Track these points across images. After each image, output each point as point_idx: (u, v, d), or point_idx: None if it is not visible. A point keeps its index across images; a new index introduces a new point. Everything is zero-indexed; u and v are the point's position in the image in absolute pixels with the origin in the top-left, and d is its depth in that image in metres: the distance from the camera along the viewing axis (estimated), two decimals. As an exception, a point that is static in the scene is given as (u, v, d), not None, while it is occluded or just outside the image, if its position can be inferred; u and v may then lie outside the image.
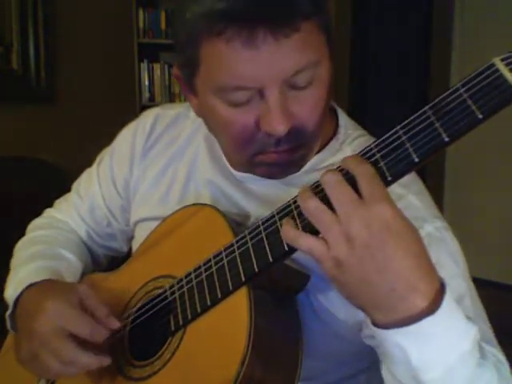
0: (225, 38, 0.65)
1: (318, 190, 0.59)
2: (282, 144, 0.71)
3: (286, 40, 0.65)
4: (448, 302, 0.56)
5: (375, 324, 0.58)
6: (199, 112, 0.79)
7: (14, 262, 0.95)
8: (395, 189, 0.71)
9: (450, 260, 0.72)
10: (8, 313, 0.85)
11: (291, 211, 0.63)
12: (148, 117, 0.96)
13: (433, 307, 0.55)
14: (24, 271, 0.89)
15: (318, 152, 0.81)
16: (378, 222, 0.54)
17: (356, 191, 0.56)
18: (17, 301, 0.84)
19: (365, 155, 0.59)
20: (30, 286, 0.84)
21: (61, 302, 0.76)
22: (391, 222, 0.54)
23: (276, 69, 0.66)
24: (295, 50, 0.66)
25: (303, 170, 0.79)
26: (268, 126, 0.69)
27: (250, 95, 0.68)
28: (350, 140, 0.83)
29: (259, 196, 0.82)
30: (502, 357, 0.67)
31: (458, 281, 0.71)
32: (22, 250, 0.97)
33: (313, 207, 0.57)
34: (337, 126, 0.84)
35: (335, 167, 0.60)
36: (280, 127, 0.68)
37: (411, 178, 0.77)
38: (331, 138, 0.83)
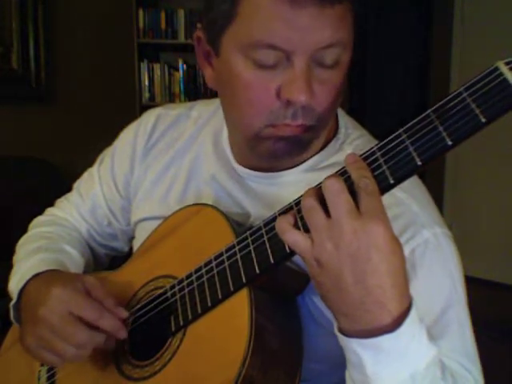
0: None
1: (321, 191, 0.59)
2: (297, 118, 0.71)
3: (329, 9, 0.65)
4: (411, 322, 0.57)
5: (340, 329, 0.60)
6: (215, 80, 0.78)
7: (17, 257, 0.95)
8: (396, 193, 0.71)
9: (442, 270, 0.73)
10: (12, 303, 0.85)
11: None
12: (150, 117, 0.96)
13: (395, 325, 0.56)
14: (28, 263, 0.89)
15: (319, 152, 0.80)
16: (368, 238, 0.55)
17: (354, 198, 0.57)
18: (21, 291, 0.84)
19: (368, 158, 0.59)
20: (36, 276, 0.84)
21: (68, 288, 0.76)
22: (381, 242, 0.55)
23: (312, 36, 0.66)
24: (334, 22, 0.67)
25: (303, 169, 0.79)
26: (291, 93, 0.68)
27: (279, 59, 0.68)
28: (350, 140, 0.82)
29: (258, 194, 0.82)
30: (477, 374, 0.69)
31: (445, 293, 0.72)
32: (25, 245, 0.97)
33: (308, 206, 0.58)
34: (337, 126, 0.84)
35: (339, 170, 0.60)
36: (302, 96, 0.68)
37: (413, 183, 0.77)
38: (331, 138, 0.82)
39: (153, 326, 0.79)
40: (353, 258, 0.55)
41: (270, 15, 0.65)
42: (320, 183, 0.60)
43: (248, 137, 0.75)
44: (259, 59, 0.68)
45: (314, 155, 0.80)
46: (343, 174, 0.60)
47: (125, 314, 0.77)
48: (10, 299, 0.87)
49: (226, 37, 0.71)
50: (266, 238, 0.66)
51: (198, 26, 0.78)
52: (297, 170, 0.79)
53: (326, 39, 0.67)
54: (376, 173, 0.58)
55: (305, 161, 0.80)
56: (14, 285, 0.87)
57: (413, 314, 0.58)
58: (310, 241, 0.58)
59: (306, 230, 0.60)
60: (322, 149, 0.81)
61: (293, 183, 0.79)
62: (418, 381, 0.58)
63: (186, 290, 0.74)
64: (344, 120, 0.85)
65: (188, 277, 0.75)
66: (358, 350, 0.58)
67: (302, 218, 0.61)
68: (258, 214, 0.79)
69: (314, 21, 0.65)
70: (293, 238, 0.59)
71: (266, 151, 0.76)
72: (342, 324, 0.59)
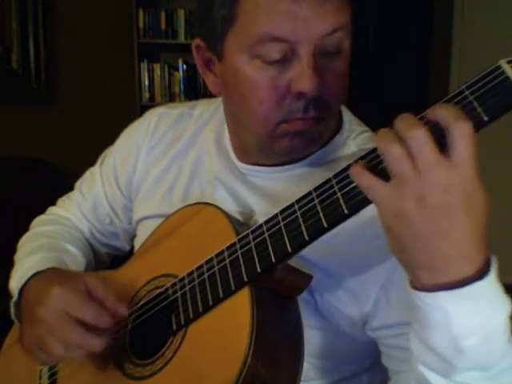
0: None
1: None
2: (310, 110, 0.71)
3: None
4: (494, 271, 0.55)
5: (418, 286, 0.56)
6: (219, 86, 0.79)
7: (19, 255, 0.95)
8: None
9: None
10: (13, 300, 0.86)
11: (294, 212, 0.64)
12: (152, 115, 0.97)
13: (480, 274, 0.54)
14: (29, 261, 0.89)
15: (323, 146, 0.80)
16: (461, 187, 0.51)
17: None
18: (22, 289, 0.84)
19: (368, 156, 0.58)
20: (36, 274, 0.84)
21: (67, 288, 0.76)
22: (472, 191, 0.51)
23: (316, 24, 0.67)
24: (335, 9, 0.68)
25: (307, 163, 0.79)
26: (301, 85, 0.69)
27: (284, 52, 0.69)
28: (355, 135, 0.83)
29: (262, 189, 0.81)
30: None
31: None
32: (27, 243, 0.98)
33: (397, 153, 0.52)
34: (341, 121, 0.84)
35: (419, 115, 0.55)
36: (313, 86, 0.68)
37: None
38: (336, 133, 0.82)
39: (154, 324, 0.78)
40: (441, 212, 0.51)
41: (271, 9, 0.67)
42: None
43: (262, 138, 0.75)
44: (265, 55, 0.69)
45: (318, 149, 0.80)
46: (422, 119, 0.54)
47: (125, 311, 0.76)
48: (10, 298, 0.87)
49: (228, 40, 0.72)
50: (267, 235, 0.66)
51: (198, 33, 0.78)
52: (301, 165, 0.79)
53: (329, 26, 0.68)
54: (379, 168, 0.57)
55: (309, 155, 0.79)
56: (15, 283, 0.87)
57: (494, 262, 0.56)
58: (388, 189, 0.53)
59: (311, 226, 0.59)
60: (326, 143, 0.81)
61: (297, 177, 0.79)
62: (503, 332, 0.56)
63: (187, 288, 0.74)
64: (348, 116, 0.85)
65: (189, 275, 0.75)
66: (445, 303, 0.54)
67: (305, 219, 0.61)
68: (262, 210, 0.79)
69: (316, 10, 0.66)
70: (369, 182, 0.54)
71: (283, 149, 0.76)
72: (423, 279, 0.55)
